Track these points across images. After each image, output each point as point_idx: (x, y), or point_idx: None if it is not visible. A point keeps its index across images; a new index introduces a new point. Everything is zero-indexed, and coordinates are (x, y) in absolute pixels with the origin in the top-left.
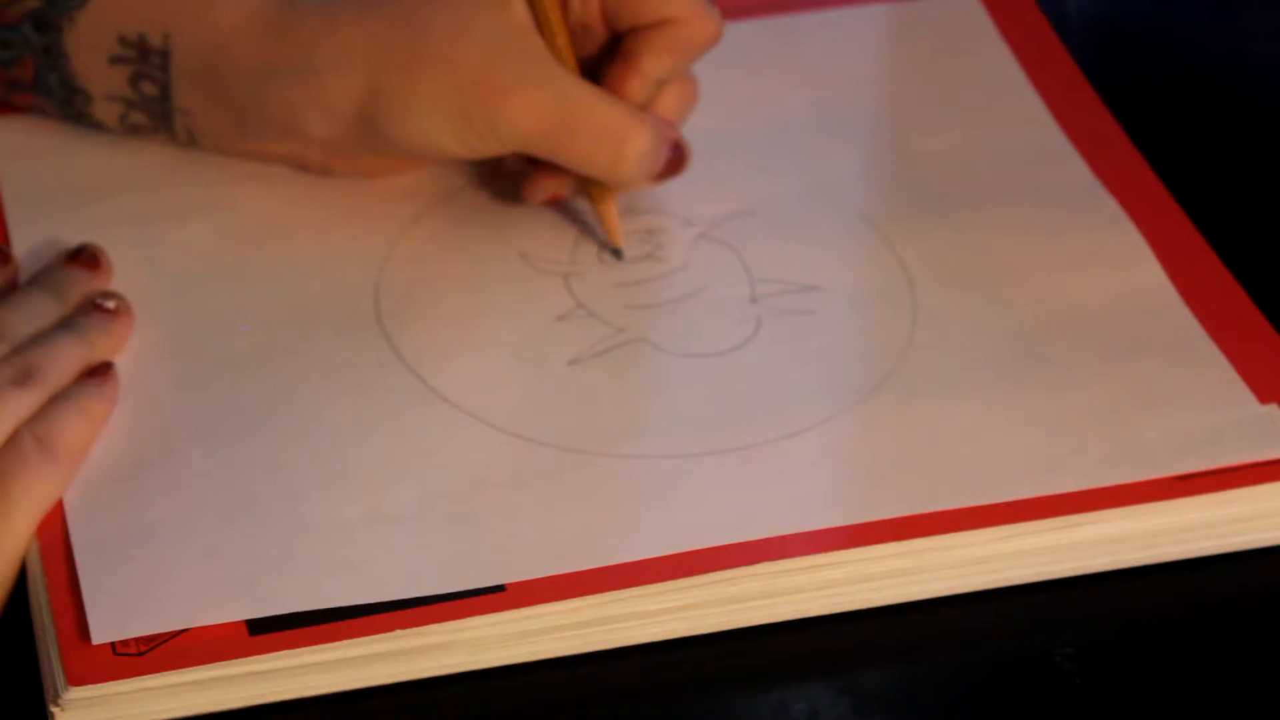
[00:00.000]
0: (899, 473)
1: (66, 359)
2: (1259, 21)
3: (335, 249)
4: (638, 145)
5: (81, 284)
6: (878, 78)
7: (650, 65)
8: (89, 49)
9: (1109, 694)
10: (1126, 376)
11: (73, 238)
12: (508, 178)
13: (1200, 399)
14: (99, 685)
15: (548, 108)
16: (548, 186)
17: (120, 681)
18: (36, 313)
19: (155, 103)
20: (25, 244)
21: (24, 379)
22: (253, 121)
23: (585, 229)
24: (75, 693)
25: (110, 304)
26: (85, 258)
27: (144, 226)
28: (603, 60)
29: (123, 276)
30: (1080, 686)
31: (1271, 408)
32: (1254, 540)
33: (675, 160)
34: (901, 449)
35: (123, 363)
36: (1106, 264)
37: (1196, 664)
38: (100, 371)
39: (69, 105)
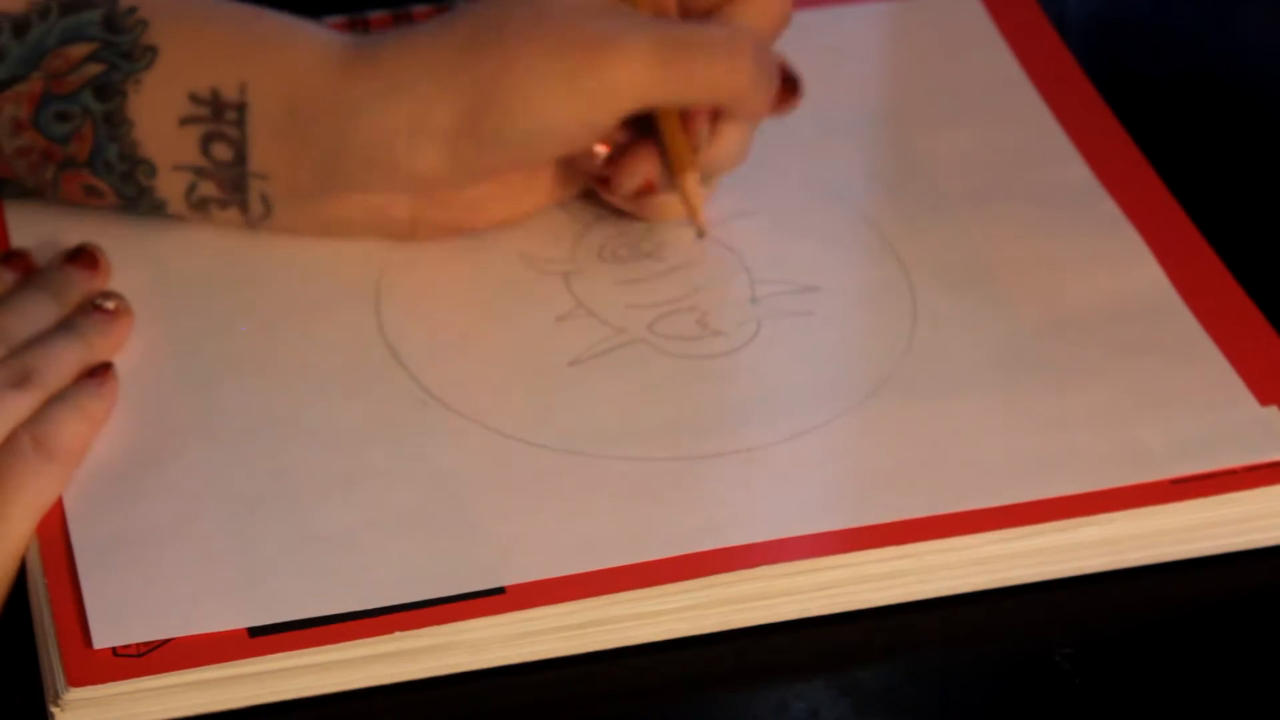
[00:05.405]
0: (898, 476)
1: (65, 360)
2: (1259, 21)
3: (336, 250)
4: (746, 49)
5: (80, 284)
6: (877, 77)
7: None
8: (156, 112)
9: (1108, 694)
10: (1126, 378)
11: (72, 238)
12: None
13: (1200, 401)
14: (99, 686)
15: (650, 46)
16: (640, 170)
17: (120, 682)
18: (35, 314)
19: (228, 168)
20: (25, 244)
21: (22, 381)
22: (339, 171)
23: (586, 228)
24: (75, 693)
25: (109, 304)
26: (84, 258)
27: (144, 226)
28: None
29: (122, 276)
30: (1080, 686)
31: (1271, 410)
32: (1254, 540)
33: (789, 87)
34: (901, 452)
35: (122, 363)
36: (1106, 265)
37: (1196, 664)
38: (99, 372)
39: (129, 180)
